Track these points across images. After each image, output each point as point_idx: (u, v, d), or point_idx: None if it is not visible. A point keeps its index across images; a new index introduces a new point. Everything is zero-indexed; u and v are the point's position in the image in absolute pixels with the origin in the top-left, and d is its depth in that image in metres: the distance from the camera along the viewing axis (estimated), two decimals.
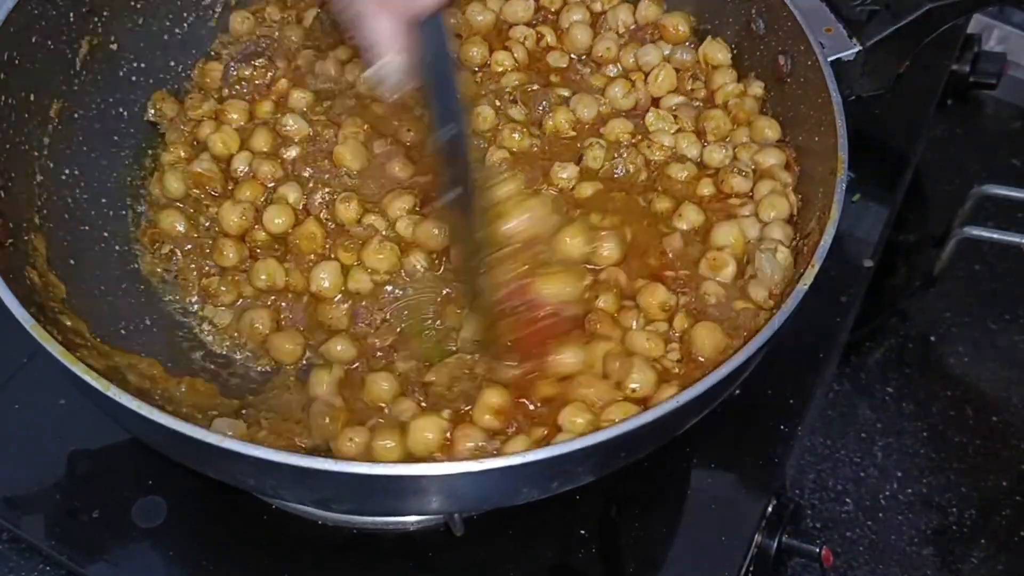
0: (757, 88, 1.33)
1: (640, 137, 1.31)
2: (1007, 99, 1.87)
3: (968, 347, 1.59)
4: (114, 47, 1.32)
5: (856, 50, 1.31)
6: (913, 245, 1.71)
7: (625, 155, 1.28)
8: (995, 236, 1.53)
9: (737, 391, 1.17)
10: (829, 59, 1.21)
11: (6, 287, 0.97)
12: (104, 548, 1.13)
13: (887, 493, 1.45)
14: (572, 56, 1.41)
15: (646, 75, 1.36)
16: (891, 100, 1.44)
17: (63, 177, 1.23)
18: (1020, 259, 1.62)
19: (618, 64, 1.39)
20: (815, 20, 1.27)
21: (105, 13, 1.29)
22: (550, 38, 1.42)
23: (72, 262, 1.18)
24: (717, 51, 1.36)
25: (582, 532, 1.17)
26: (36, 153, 1.20)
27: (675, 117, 1.32)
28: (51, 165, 1.22)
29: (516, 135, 1.30)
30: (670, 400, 0.92)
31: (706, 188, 1.26)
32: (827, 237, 1.04)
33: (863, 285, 1.44)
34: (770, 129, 1.29)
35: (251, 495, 1.15)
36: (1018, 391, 1.55)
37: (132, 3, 1.33)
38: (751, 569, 1.18)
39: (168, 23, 1.38)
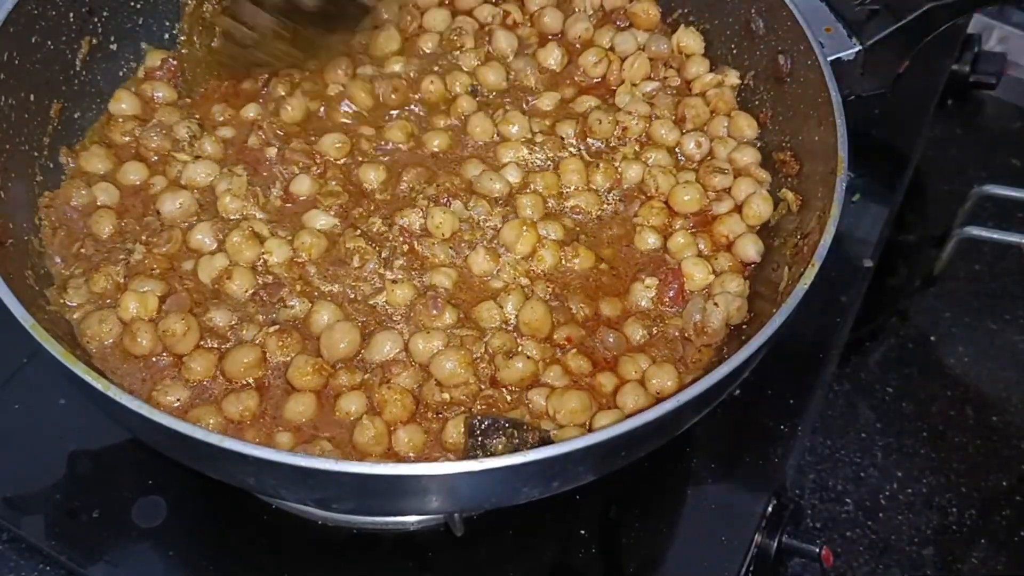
0: (733, 78, 1.35)
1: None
2: (1007, 99, 1.88)
3: (968, 347, 1.59)
4: (114, 47, 1.32)
5: (856, 50, 1.31)
6: (913, 245, 1.71)
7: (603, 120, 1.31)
8: (995, 236, 1.54)
9: (737, 391, 1.17)
10: (829, 59, 1.21)
11: (6, 287, 0.97)
12: (104, 548, 1.13)
13: (887, 493, 1.45)
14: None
15: (622, 61, 1.39)
16: (891, 100, 1.44)
17: (63, 178, 1.23)
18: (1020, 259, 1.62)
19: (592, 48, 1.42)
20: (815, 20, 1.28)
21: (105, 13, 1.29)
22: (517, 15, 1.44)
23: None
24: (691, 39, 1.39)
25: (582, 532, 1.16)
26: (36, 153, 1.20)
27: (651, 104, 1.35)
28: (51, 165, 1.22)
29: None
30: (670, 400, 0.92)
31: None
32: (827, 236, 1.04)
33: (863, 285, 1.44)
34: (748, 127, 1.31)
35: (251, 495, 1.15)
36: (1018, 391, 1.55)
37: (132, 3, 1.33)
38: (751, 569, 1.18)
39: (167, 23, 1.38)
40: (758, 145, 1.30)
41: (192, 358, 1.09)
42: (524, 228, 1.20)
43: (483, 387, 1.09)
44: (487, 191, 1.24)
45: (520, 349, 1.12)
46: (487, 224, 1.22)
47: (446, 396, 1.08)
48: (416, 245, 1.20)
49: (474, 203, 1.23)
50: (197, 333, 1.10)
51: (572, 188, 1.27)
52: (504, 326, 1.14)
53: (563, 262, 1.20)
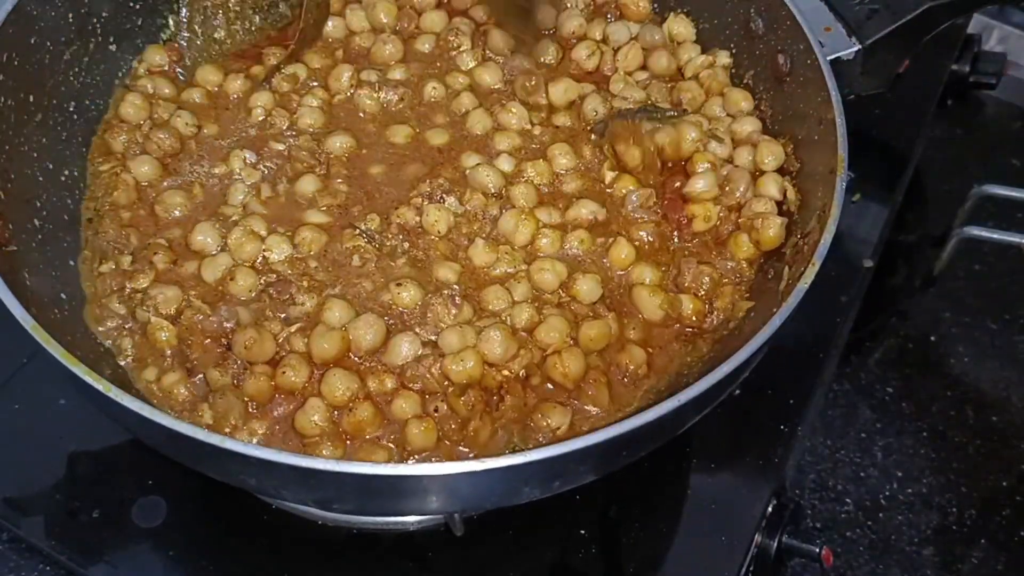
0: (724, 58, 1.36)
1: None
2: (1007, 99, 1.88)
3: (968, 347, 1.59)
4: (113, 47, 1.32)
5: (855, 49, 1.31)
6: (913, 245, 1.71)
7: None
8: (995, 236, 1.53)
9: (737, 391, 1.17)
10: (828, 58, 1.21)
11: (6, 288, 0.97)
12: (104, 548, 1.13)
13: (887, 493, 1.45)
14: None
15: (615, 52, 1.39)
16: (891, 100, 1.44)
17: (63, 179, 1.23)
18: (1020, 259, 1.62)
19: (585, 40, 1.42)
20: (814, 19, 1.27)
21: (104, 14, 1.29)
22: None
23: (72, 263, 1.18)
24: (682, 27, 1.40)
25: (582, 532, 1.16)
26: (36, 154, 1.20)
27: (645, 90, 1.35)
28: (51, 166, 1.22)
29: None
30: (670, 400, 0.92)
31: None
32: (827, 235, 1.04)
33: (863, 285, 1.44)
34: (744, 100, 1.31)
35: (251, 495, 1.15)
36: (1018, 391, 1.55)
37: (130, 4, 1.33)
38: (751, 569, 1.18)
39: (164, 20, 1.38)
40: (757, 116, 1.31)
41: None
42: (522, 217, 1.20)
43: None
44: (482, 185, 1.24)
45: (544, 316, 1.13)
46: (485, 216, 1.22)
47: (505, 373, 1.08)
48: (416, 241, 1.20)
49: (469, 196, 1.23)
50: (272, 342, 1.11)
51: (565, 172, 1.28)
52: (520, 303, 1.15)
53: (564, 246, 1.21)
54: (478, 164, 1.26)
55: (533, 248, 1.20)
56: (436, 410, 1.06)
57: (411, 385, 1.08)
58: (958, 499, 1.45)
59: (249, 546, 1.15)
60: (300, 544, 1.15)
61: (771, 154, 1.24)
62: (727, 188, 1.22)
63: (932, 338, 1.61)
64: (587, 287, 1.15)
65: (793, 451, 1.26)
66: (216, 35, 1.34)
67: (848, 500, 1.45)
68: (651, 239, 1.21)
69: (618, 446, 0.92)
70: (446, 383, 1.07)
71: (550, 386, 1.10)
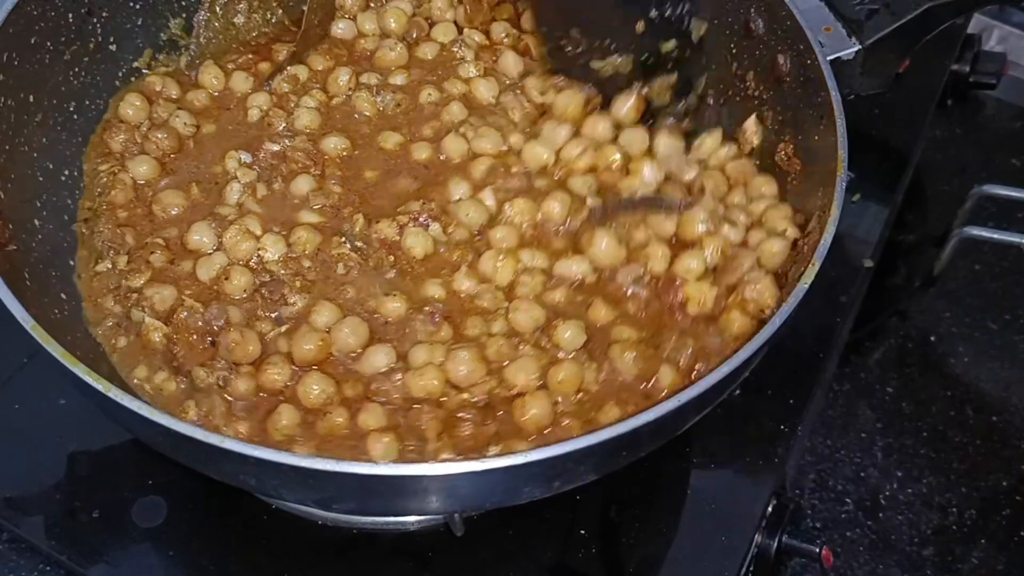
0: (754, 137, 1.30)
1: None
2: (1007, 99, 1.88)
3: (968, 347, 1.59)
4: (113, 47, 1.32)
5: (855, 49, 1.31)
6: (913, 245, 1.71)
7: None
8: (995, 236, 1.53)
9: (737, 391, 1.17)
10: (828, 58, 1.21)
11: (6, 288, 0.96)
12: (104, 548, 1.13)
13: (887, 493, 1.45)
14: None
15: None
16: (891, 100, 1.44)
17: (63, 178, 1.23)
18: (1020, 259, 1.62)
19: None
20: (814, 19, 1.27)
21: (104, 14, 1.29)
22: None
23: (71, 263, 1.18)
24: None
25: (582, 532, 1.16)
26: (36, 154, 1.20)
27: None
28: (50, 167, 1.22)
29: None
30: (670, 399, 0.92)
31: None
32: (827, 236, 1.04)
33: (863, 285, 1.44)
34: (766, 186, 1.24)
35: (251, 495, 1.15)
36: (1018, 391, 1.55)
37: (131, 4, 1.33)
38: (751, 569, 1.18)
39: (165, 22, 1.38)
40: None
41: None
42: (500, 258, 1.17)
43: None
44: (464, 223, 1.21)
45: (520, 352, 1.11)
46: (470, 245, 1.20)
47: (465, 396, 1.07)
48: (399, 255, 1.19)
49: (454, 227, 1.21)
50: (258, 343, 1.10)
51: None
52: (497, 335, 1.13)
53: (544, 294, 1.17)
54: (460, 200, 1.23)
55: (514, 290, 1.17)
56: (398, 425, 1.04)
57: (375, 397, 1.07)
58: (958, 499, 1.45)
59: (249, 546, 1.15)
60: (300, 544, 1.15)
61: (783, 226, 1.17)
62: (731, 266, 1.15)
63: (932, 338, 1.61)
64: (569, 334, 1.10)
65: (793, 451, 1.26)
66: (236, 19, 1.35)
67: (848, 500, 1.45)
68: (639, 313, 1.15)
69: (618, 446, 0.92)
70: (409, 399, 1.07)
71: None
